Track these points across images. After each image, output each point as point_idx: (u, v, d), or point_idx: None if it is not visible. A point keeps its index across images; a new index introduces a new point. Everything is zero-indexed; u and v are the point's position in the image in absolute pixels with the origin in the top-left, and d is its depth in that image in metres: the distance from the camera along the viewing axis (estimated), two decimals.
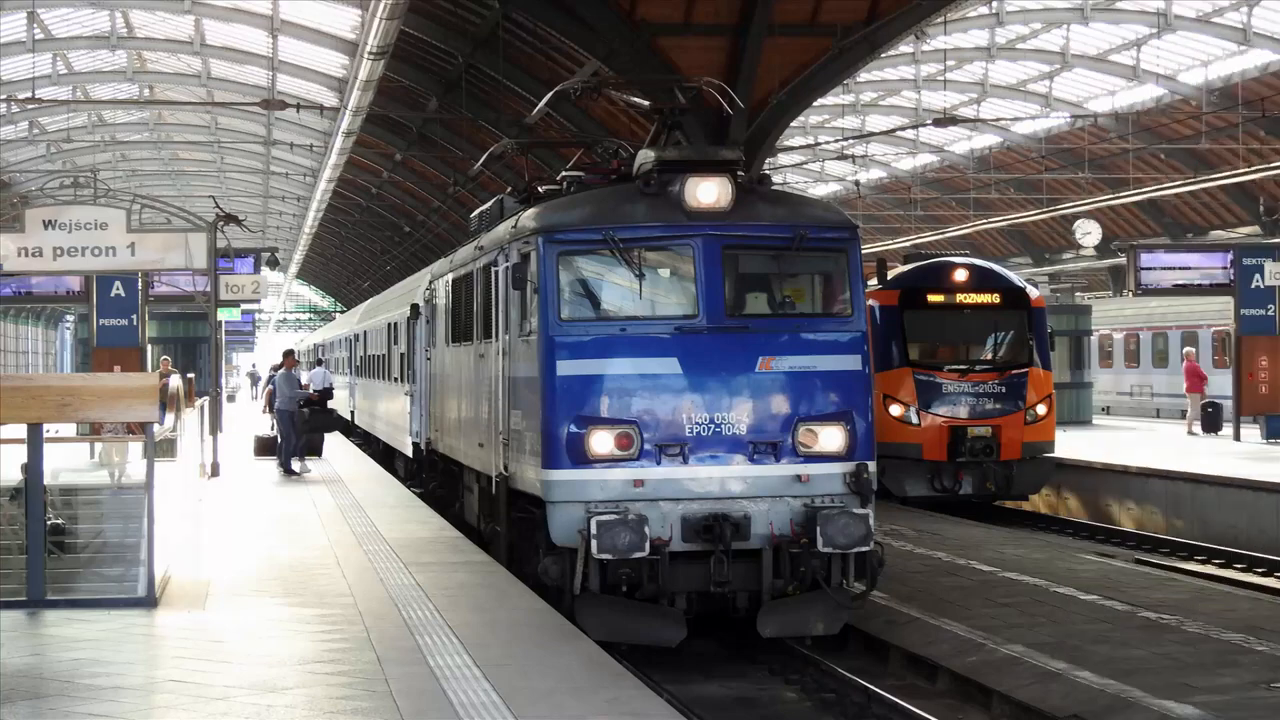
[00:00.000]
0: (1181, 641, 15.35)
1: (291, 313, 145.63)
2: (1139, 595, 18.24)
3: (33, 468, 14.63)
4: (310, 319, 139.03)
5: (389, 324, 35.86)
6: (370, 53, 33.70)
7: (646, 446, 15.67)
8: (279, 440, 32.01)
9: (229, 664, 12.30)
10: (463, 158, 52.28)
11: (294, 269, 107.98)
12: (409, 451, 30.38)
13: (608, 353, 16.00)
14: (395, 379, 33.80)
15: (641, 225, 16.20)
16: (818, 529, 15.54)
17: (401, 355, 32.11)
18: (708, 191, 16.08)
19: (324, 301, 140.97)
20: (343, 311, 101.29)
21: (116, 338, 33.72)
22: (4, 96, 49.91)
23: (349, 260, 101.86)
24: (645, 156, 16.96)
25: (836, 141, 50.99)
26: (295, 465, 31.24)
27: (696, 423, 15.78)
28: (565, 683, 11.56)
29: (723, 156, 16.96)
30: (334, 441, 44.57)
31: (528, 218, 17.07)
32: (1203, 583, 20.81)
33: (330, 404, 54.47)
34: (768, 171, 17.43)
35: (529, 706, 10.66)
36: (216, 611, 14.52)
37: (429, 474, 27.34)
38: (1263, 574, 23.70)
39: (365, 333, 43.73)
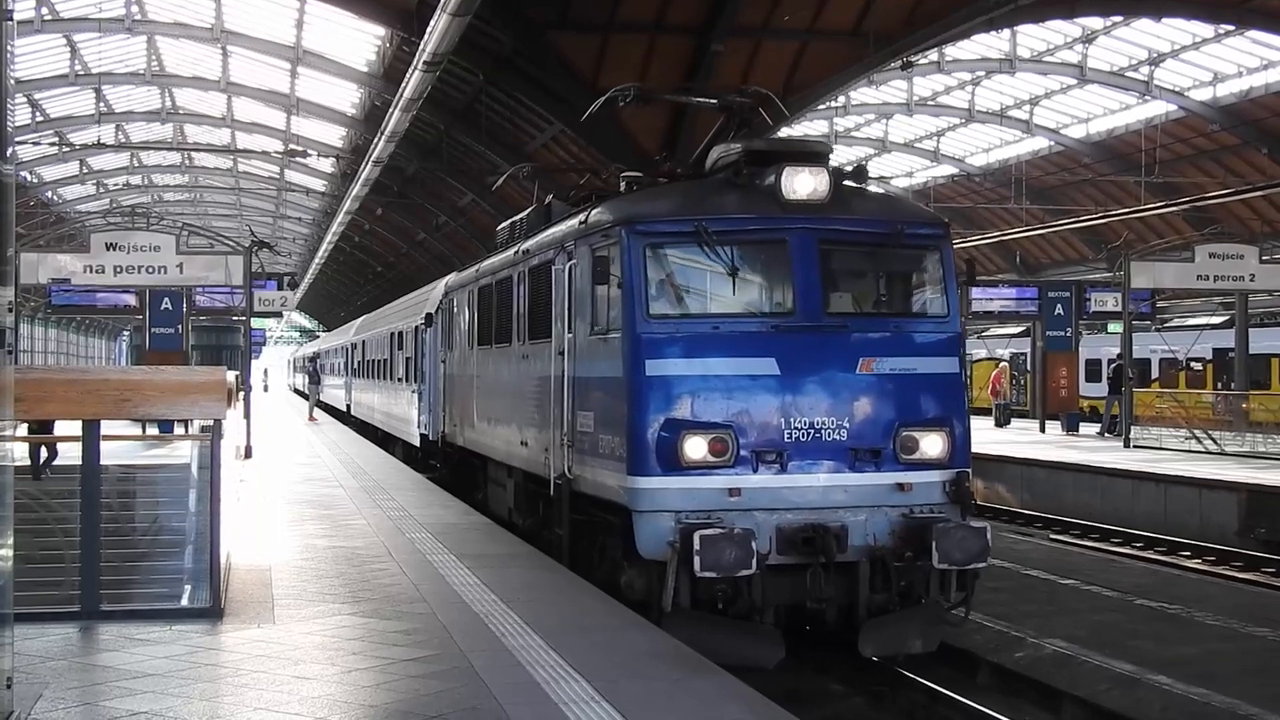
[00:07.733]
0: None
1: (285, 332, 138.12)
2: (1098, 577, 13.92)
3: (88, 468, 9.31)
4: (299, 336, 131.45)
5: (392, 334, 29.89)
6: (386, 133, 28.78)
7: (742, 453, 10.38)
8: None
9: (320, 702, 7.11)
10: (432, 211, 47.32)
11: (297, 297, 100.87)
12: (415, 441, 24.71)
13: (700, 352, 10.53)
14: (400, 379, 27.96)
15: (734, 216, 10.79)
16: (933, 543, 10.31)
17: (407, 360, 26.34)
18: (805, 183, 10.79)
19: (309, 324, 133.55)
20: (326, 331, 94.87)
21: (164, 343, 28.74)
22: (52, 133, 43.90)
23: (330, 292, 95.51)
24: (727, 149, 11.69)
25: None
26: None
27: (796, 427, 10.46)
28: None
29: (815, 148, 11.73)
30: (333, 425, 39.43)
31: (604, 210, 11.60)
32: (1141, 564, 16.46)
33: (323, 397, 48.80)
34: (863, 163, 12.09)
35: None
36: (287, 625, 9.12)
37: (443, 462, 21.81)
38: (1163, 551, 19.23)
39: (364, 342, 37.86)
